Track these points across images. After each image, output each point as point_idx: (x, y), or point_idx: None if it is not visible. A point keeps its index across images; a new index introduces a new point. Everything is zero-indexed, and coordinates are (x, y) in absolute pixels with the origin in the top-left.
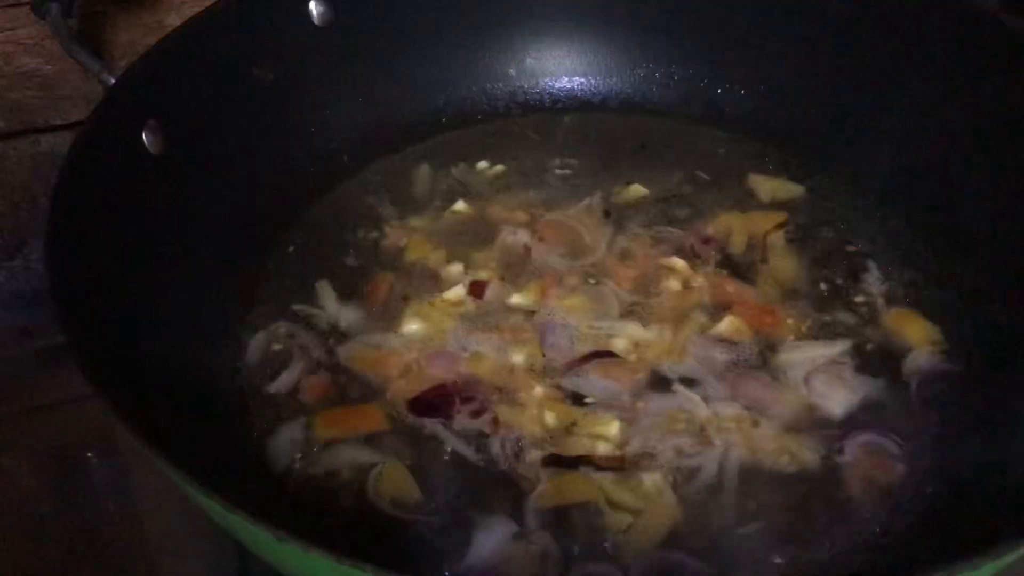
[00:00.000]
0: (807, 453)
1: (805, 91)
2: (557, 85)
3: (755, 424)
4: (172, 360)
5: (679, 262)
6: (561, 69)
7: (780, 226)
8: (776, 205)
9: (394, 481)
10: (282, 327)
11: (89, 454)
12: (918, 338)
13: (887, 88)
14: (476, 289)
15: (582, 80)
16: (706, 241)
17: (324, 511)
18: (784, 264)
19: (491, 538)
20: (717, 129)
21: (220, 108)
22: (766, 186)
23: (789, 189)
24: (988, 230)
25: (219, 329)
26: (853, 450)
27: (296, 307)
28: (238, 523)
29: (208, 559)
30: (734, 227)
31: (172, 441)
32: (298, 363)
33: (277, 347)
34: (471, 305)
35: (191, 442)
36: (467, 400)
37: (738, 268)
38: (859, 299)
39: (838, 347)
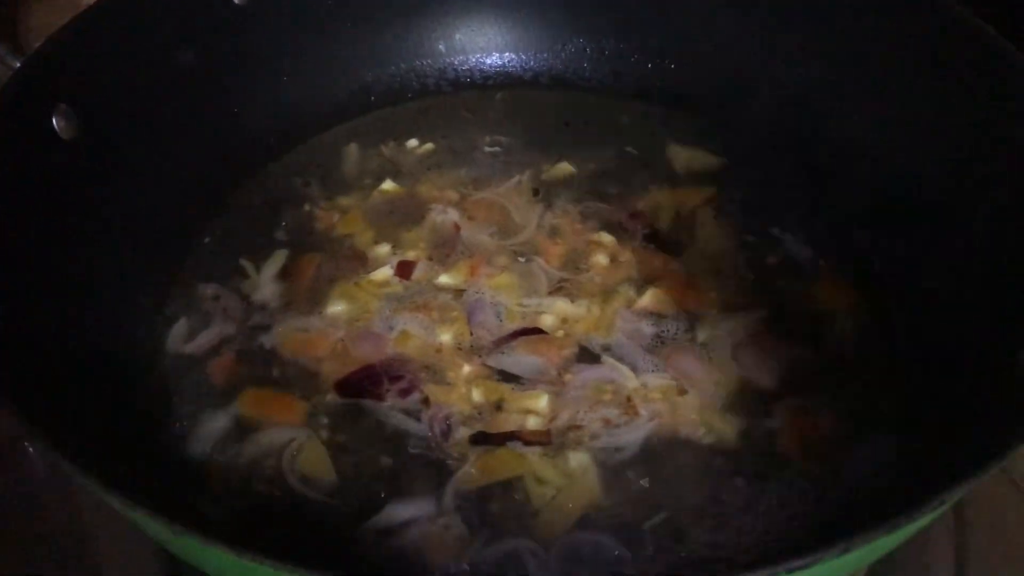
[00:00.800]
0: (731, 425)
1: (731, 63)
2: (488, 61)
3: (681, 393)
4: (85, 345)
5: (607, 237)
6: (492, 45)
7: (708, 200)
8: (693, 176)
9: (310, 461)
10: (209, 288)
11: (27, 443)
12: (842, 305)
13: (815, 61)
14: (403, 269)
15: (512, 56)
16: (634, 216)
17: (242, 496)
18: (710, 238)
19: (406, 519)
20: (647, 104)
21: (137, 91)
22: (682, 156)
23: (705, 160)
24: (910, 198)
25: (139, 313)
26: (782, 413)
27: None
28: (139, 519)
29: (149, 553)
30: (662, 202)
31: (76, 432)
32: (217, 325)
33: (198, 315)
34: (398, 285)
35: (103, 434)
36: (395, 379)
37: (665, 243)
38: (782, 270)
39: (759, 315)
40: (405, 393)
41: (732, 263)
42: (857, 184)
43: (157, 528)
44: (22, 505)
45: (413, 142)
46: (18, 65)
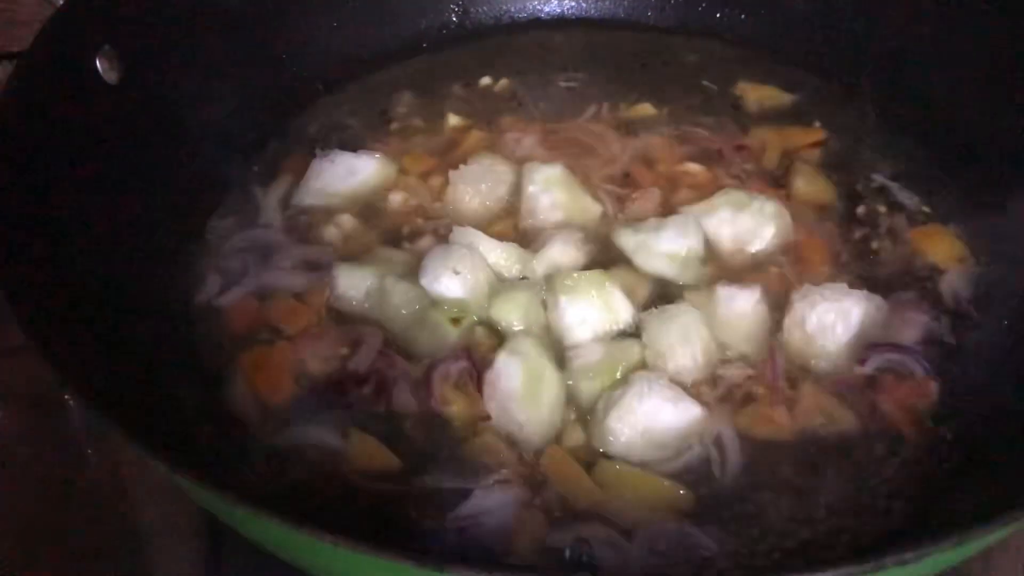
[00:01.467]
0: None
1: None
2: (546, 8)
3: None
4: (123, 296)
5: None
6: None
7: (816, 144)
8: (764, 114)
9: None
10: (238, 241)
11: (67, 396)
12: (946, 256)
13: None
14: None
15: (572, 3)
16: (740, 148)
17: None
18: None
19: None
20: (718, 44)
21: (183, 34)
22: (754, 94)
23: (776, 97)
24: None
25: (173, 266)
26: (877, 362)
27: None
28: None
29: (187, 505)
30: (769, 141)
31: (118, 395)
32: (251, 279)
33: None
34: None
35: (143, 396)
36: (362, 383)
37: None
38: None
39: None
40: (376, 396)
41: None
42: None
43: (208, 498)
44: (62, 456)
45: (486, 80)
46: (61, 3)
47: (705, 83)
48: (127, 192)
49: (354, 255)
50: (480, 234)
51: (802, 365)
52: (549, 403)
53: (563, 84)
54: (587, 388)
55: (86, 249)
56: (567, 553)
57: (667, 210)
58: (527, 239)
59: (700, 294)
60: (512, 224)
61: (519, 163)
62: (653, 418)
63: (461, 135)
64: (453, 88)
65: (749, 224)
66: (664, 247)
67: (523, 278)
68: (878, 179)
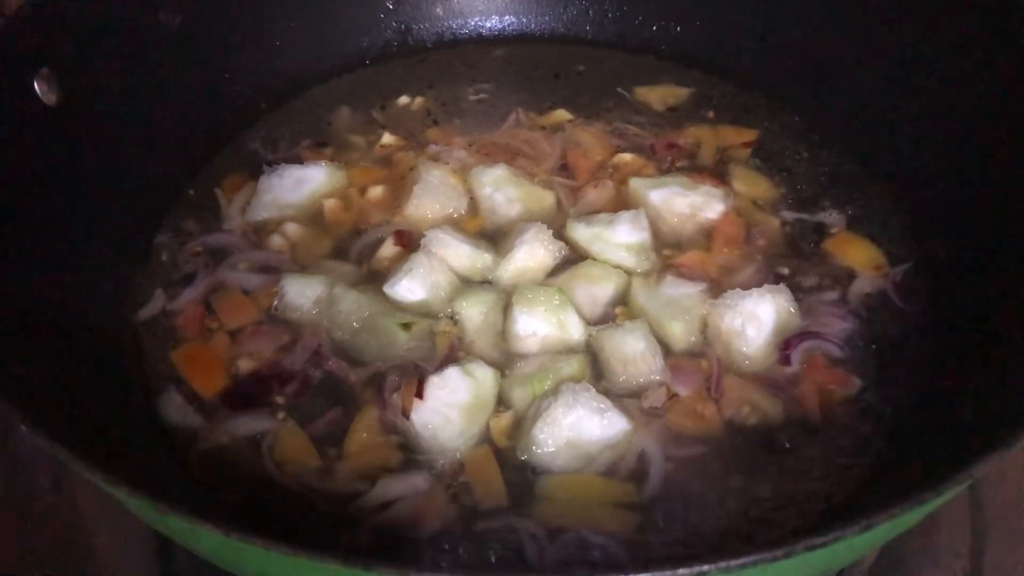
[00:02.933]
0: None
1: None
2: (487, 24)
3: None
4: (65, 316)
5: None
6: (491, 7)
7: (748, 144)
8: (669, 111)
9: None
10: (187, 248)
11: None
12: (862, 262)
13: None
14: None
15: (512, 19)
16: (671, 146)
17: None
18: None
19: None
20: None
21: (122, 55)
22: (654, 94)
23: (677, 94)
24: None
25: (115, 284)
26: (798, 357)
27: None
28: (122, 497)
29: (141, 529)
30: (703, 139)
31: (55, 408)
32: (202, 281)
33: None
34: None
35: (81, 409)
36: (286, 382)
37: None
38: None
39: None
40: (298, 395)
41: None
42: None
43: (143, 507)
44: (16, 480)
45: (404, 99)
46: None
47: (619, 90)
48: (68, 213)
49: (303, 263)
50: (451, 232)
51: (728, 367)
52: (479, 430)
53: (473, 97)
54: (518, 395)
55: (25, 269)
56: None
57: (620, 199)
58: (496, 238)
59: (649, 281)
60: (478, 226)
61: (460, 173)
62: (578, 429)
63: (394, 151)
64: (373, 108)
65: (699, 199)
66: (621, 239)
67: (487, 281)
68: (805, 185)
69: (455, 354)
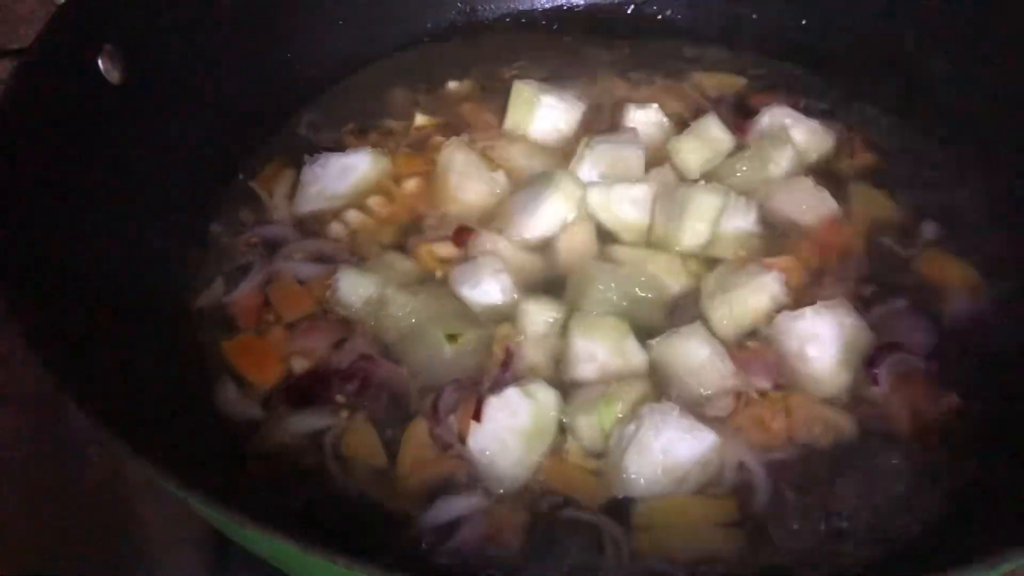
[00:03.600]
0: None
1: None
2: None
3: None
4: (121, 299)
5: None
6: None
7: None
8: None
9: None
10: (242, 239)
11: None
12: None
13: None
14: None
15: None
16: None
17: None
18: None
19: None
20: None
21: (186, 32)
22: (710, 81)
23: (733, 83)
24: None
25: (174, 269)
26: (886, 373)
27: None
28: (194, 503)
29: (191, 511)
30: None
31: (121, 409)
32: (258, 272)
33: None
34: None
35: (142, 403)
36: (346, 379)
37: None
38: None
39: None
40: (359, 393)
41: None
42: None
43: (213, 515)
44: (63, 457)
45: (453, 83)
46: (61, 2)
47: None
48: (128, 194)
49: (363, 252)
50: (502, 239)
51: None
52: (539, 458)
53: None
54: (583, 423)
55: (86, 253)
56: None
57: None
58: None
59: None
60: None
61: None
62: (671, 451)
63: (431, 133)
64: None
65: (814, 198)
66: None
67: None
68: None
69: (510, 367)
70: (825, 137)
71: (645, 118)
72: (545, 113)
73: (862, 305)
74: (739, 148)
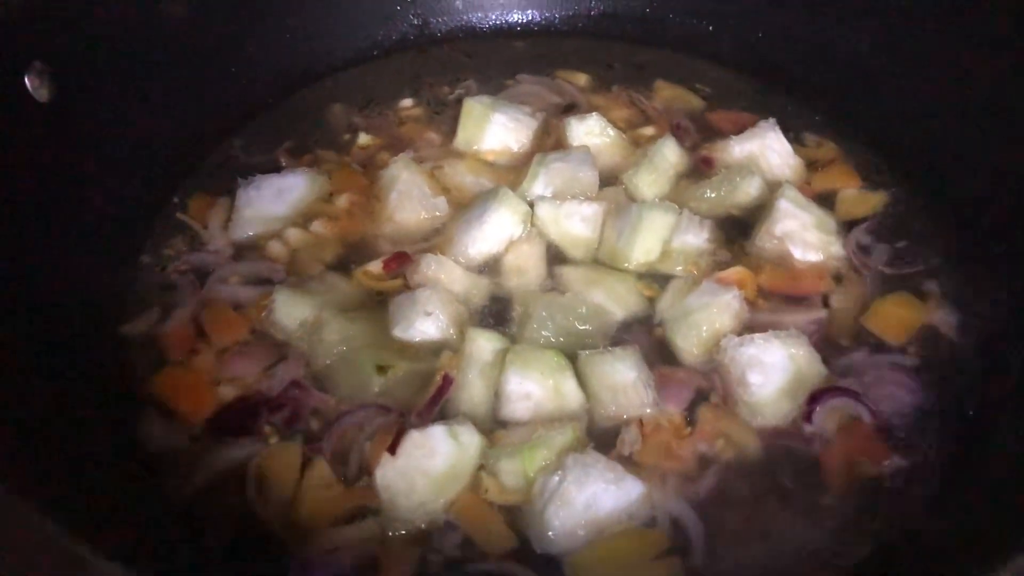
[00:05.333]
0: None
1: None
2: (509, 18)
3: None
4: (42, 328)
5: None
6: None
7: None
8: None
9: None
10: (173, 267)
11: None
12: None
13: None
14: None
15: (535, 12)
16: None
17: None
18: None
19: None
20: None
21: (121, 51)
22: (664, 92)
23: (689, 100)
24: None
25: (101, 298)
26: (824, 416)
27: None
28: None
29: None
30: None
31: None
32: (190, 300)
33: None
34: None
35: (53, 440)
36: (276, 409)
37: None
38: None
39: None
40: (289, 423)
41: None
42: None
43: None
44: None
45: (405, 101)
46: None
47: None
48: (53, 219)
49: (303, 271)
50: (447, 261)
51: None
52: (443, 505)
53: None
54: (507, 468)
55: (6, 278)
56: None
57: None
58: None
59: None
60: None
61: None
62: (594, 505)
63: (374, 152)
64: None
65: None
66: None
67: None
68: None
69: (444, 396)
70: (795, 163)
71: (587, 129)
72: (496, 131)
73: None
74: (700, 174)
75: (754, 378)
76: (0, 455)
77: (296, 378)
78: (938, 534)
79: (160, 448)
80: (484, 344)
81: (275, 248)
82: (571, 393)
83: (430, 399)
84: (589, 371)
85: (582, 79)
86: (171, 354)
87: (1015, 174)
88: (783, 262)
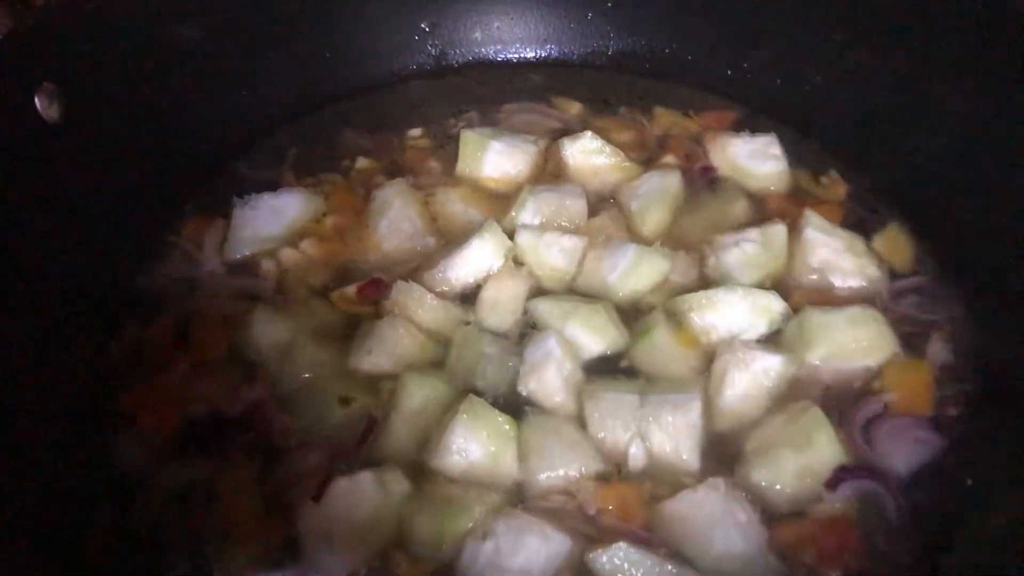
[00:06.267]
0: None
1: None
2: (527, 53)
3: None
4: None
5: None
6: (532, 36)
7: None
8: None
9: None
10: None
11: None
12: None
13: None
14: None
15: (554, 47)
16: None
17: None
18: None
19: None
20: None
21: (132, 71)
22: (664, 119)
23: (684, 125)
24: None
25: (92, 320)
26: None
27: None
28: None
29: None
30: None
31: None
32: (177, 306)
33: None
34: None
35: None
36: (246, 429)
37: None
38: None
39: None
40: (252, 446)
41: None
42: None
43: None
44: None
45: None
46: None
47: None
48: (55, 236)
49: (289, 292)
50: (420, 288)
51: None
52: (366, 555)
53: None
54: (421, 523)
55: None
56: None
57: None
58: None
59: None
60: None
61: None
62: (529, 568)
63: (369, 176)
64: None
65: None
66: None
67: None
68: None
69: (368, 440)
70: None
71: (581, 147)
72: (493, 158)
73: None
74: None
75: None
76: None
77: (261, 399)
78: None
79: (130, 465)
80: (414, 391)
81: (267, 266)
82: (508, 465)
83: (356, 441)
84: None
85: (576, 107)
86: (150, 357)
87: None
88: (826, 295)
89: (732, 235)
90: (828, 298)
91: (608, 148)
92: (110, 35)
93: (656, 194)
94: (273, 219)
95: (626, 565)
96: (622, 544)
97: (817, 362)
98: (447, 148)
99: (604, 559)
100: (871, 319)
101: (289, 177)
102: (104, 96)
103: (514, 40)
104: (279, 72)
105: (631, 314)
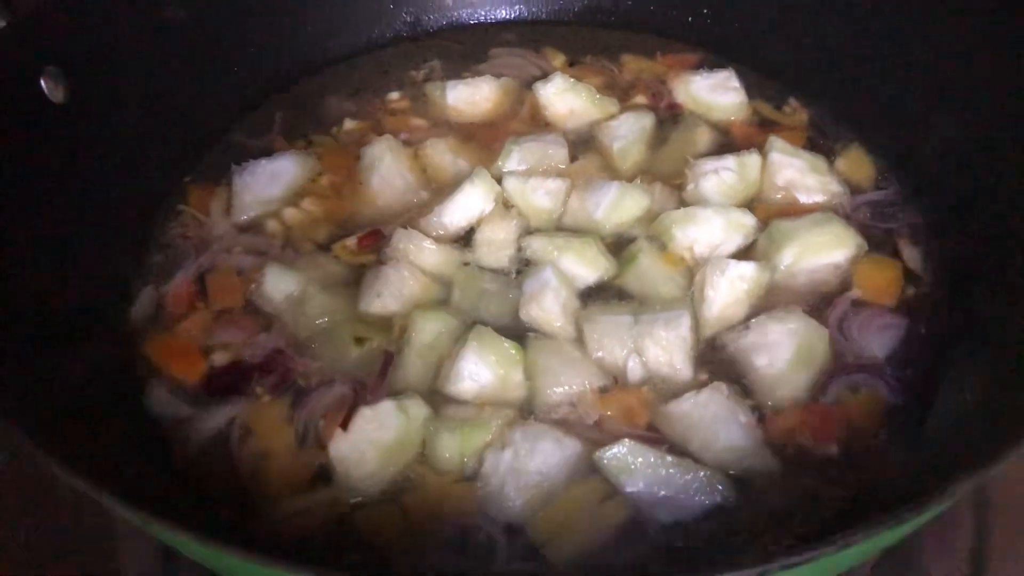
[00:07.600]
0: None
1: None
2: (497, 13)
3: None
4: (55, 317)
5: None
6: None
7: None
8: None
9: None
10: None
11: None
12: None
13: None
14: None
15: (522, 7)
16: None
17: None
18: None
19: None
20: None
21: (129, 53)
22: (632, 65)
23: (651, 68)
24: None
25: (112, 285)
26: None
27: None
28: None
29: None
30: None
31: (42, 413)
32: (194, 262)
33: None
34: None
35: (70, 413)
36: (267, 373)
37: None
38: None
39: None
40: (276, 388)
41: None
42: None
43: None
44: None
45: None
46: (3, 24)
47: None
48: (66, 213)
49: (296, 248)
50: (418, 234)
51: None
52: (392, 474)
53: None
54: (445, 442)
55: (19, 269)
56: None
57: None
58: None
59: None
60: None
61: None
62: (545, 470)
63: (359, 135)
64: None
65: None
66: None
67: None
68: None
69: (387, 375)
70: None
71: (554, 89)
72: (456, 91)
73: None
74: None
75: (760, 360)
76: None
77: (279, 346)
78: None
79: (166, 414)
80: (424, 325)
81: (272, 226)
82: (517, 385)
83: (377, 375)
84: (539, 350)
85: (560, 59)
86: (171, 311)
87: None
88: (792, 208)
89: (712, 162)
90: (794, 212)
91: (580, 85)
92: (105, 21)
93: (634, 134)
94: (272, 182)
95: (629, 459)
96: (626, 441)
97: (788, 262)
98: (426, 102)
99: (608, 455)
100: (832, 219)
101: (281, 142)
102: (103, 77)
103: (485, 2)
104: (263, 46)
105: (618, 245)
